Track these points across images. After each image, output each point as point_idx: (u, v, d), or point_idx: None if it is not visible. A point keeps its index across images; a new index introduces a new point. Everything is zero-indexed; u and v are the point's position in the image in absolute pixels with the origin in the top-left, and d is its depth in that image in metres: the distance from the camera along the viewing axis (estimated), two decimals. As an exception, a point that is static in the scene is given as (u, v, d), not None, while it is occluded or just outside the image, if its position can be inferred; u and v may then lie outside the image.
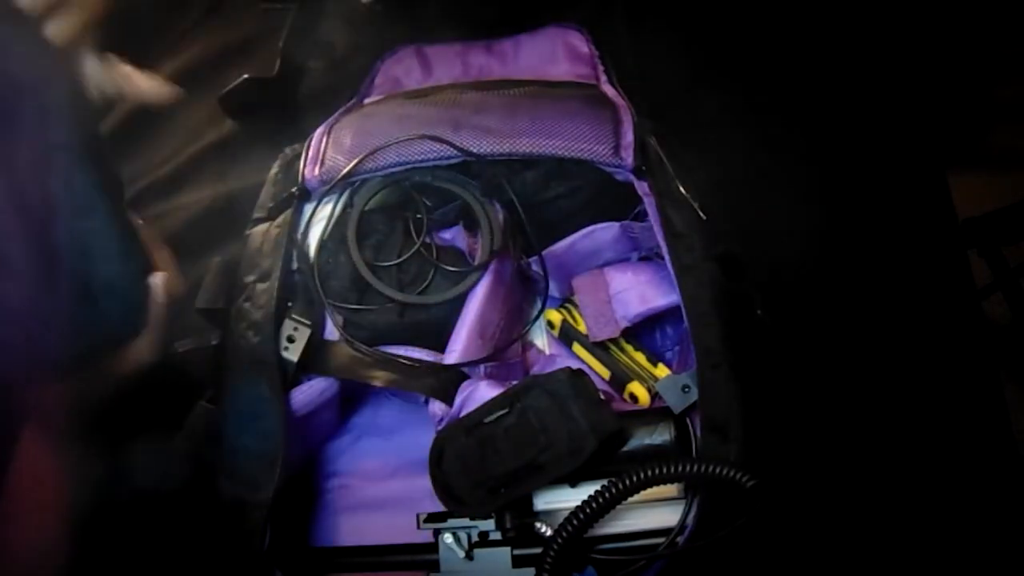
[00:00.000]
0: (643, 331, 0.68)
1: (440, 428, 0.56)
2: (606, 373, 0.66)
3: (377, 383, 0.58)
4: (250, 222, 0.65)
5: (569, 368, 0.51)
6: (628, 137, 0.60)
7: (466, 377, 0.59)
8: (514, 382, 0.54)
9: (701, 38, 0.86)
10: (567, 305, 0.69)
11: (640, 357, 0.65)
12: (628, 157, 0.59)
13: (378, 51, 0.84)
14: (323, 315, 0.62)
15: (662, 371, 0.64)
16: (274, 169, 0.68)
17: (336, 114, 0.69)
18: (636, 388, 0.63)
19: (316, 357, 0.60)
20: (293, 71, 0.89)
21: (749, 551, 0.50)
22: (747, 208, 0.72)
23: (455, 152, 0.60)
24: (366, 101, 0.75)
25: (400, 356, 0.60)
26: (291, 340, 0.58)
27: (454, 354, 0.59)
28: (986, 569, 0.62)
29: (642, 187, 0.59)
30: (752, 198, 0.73)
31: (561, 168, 0.62)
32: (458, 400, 0.57)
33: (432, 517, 0.53)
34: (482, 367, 0.60)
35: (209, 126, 0.88)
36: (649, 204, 0.58)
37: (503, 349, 0.64)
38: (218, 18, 0.95)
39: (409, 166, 0.61)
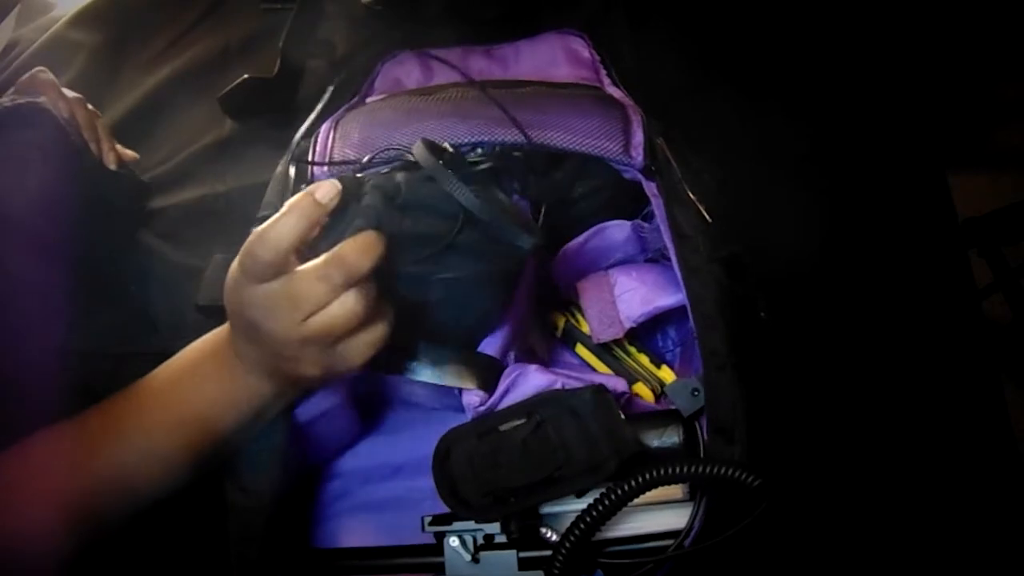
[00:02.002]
0: (645, 333, 0.68)
1: (475, 417, 0.55)
2: (609, 373, 0.66)
3: (412, 375, 0.56)
4: (256, 220, 0.65)
5: (593, 386, 0.51)
6: (638, 136, 0.60)
7: (501, 367, 0.57)
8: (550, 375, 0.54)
9: (702, 39, 0.86)
10: (569, 307, 0.68)
11: (643, 359, 0.65)
12: (638, 156, 0.59)
13: (378, 51, 0.84)
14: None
15: (665, 372, 0.64)
16: (280, 167, 0.68)
17: (340, 110, 0.69)
18: (640, 389, 0.63)
19: None
20: (293, 71, 0.89)
21: (755, 551, 0.50)
22: (747, 208, 0.72)
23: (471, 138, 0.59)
24: (369, 100, 0.75)
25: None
26: None
27: (495, 344, 0.58)
28: (986, 569, 0.62)
29: (650, 187, 0.59)
30: (753, 198, 0.73)
31: (585, 168, 0.62)
32: (503, 385, 0.55)
33: (437, 520, 0.53)
34: (511, 356, 0.59)
35: (209, 126, 0.87)
36: (657, 205, 0.58)
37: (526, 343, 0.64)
38: (218, 18, 0.95)
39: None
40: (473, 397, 0.56)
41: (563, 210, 0.64)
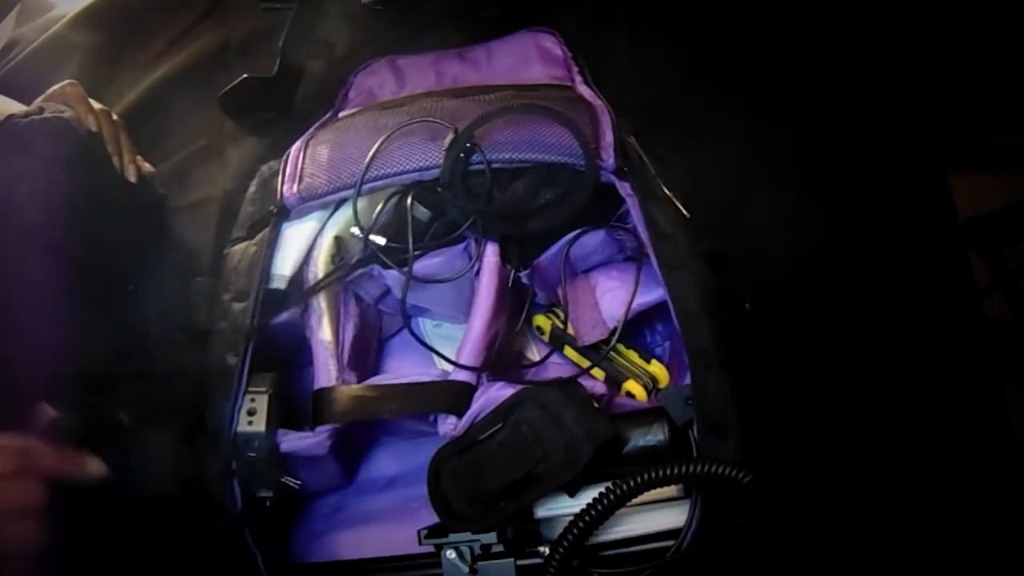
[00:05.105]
0: (632, 329, 0.67)
1: (447, 443, 0.55)
2: (600, 374, 0.65)
3: (388, 415, 0.57)
4: (230, 241, 0.65)
5: (561, 379, 0.51)
6: (608, 138, 0.60)
7: (473, 389, 0.57)
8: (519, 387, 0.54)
9: (700, 38, 0.86)
10: (554, 310, 0.68)
11: (632, 355, 0.65)
12: (609, 158, 0.59)
13: (378, 51, 0.84)
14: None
15: (656, 367, 0.64)
16: (251, 188, 0.68)
17: (311, 129, 0.68)
18: (632, 386, 0.63)
19: (318, 408, 0.57)
20: (293, 71, 0.89)
21: (750, 549, 0.50)
22: (746, 207, 0.72)
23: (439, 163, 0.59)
24: (341, 115, 0.74)
25: (402, 379, 0.58)
26: (252, 413, 0.56)
27: (463, 368, 0.58)
28: (986, 569, 0.62)
29: (624, 187, 0.58)
30: (752, 198, 0.73)
31: (549, 174, 0.61)
32: (474, 407, 0.56)
33: (433, 532, 0.52)
34: (484, 376, 0.59)
35: (209, 126, 0.88)
36: (632, 204, 0.58)
37: (502, 359, 0.63)
38: (218, 18, 0.95)
39: (390, 179, 0.60)
40: (448, 426, 0.56)
41: (530, 218, 0.62)
